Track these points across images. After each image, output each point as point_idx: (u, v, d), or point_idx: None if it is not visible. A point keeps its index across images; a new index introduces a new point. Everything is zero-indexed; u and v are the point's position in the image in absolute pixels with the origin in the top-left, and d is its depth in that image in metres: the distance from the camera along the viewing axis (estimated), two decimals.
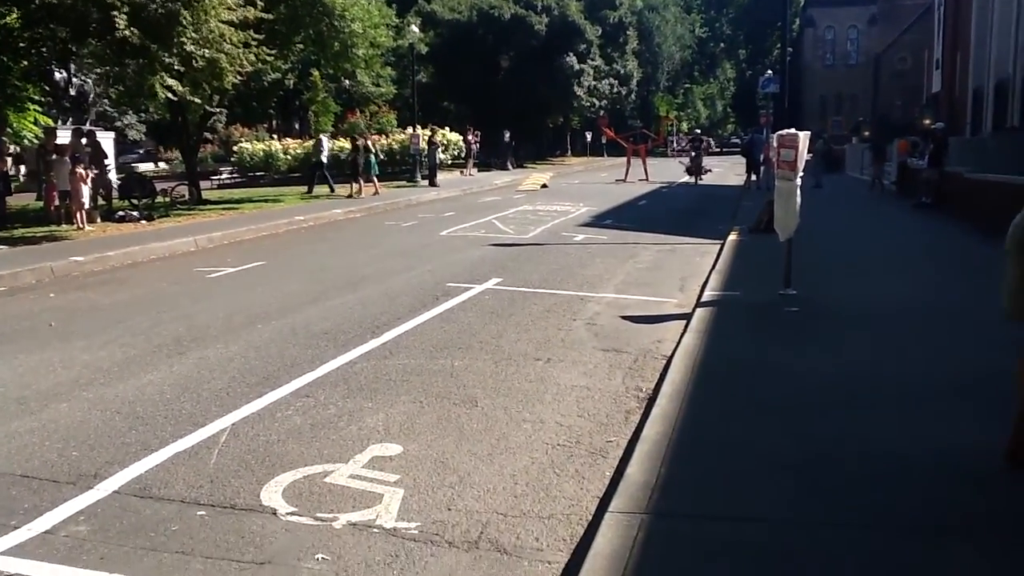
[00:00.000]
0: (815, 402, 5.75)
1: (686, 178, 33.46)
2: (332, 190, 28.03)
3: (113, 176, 22.70)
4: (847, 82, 73.32)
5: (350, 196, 25.91)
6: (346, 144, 30.65)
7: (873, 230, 16.60)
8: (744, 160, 30.89)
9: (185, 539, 4.11)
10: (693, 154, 34.83)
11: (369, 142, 28.85)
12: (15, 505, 4.51)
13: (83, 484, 4.77)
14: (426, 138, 32.69)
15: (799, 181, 9.04)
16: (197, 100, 21.88)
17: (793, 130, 9.22)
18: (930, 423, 5.34)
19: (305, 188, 28.96)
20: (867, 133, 43.89)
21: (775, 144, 9.56)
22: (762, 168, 26.65)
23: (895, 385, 6.14)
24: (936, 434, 5.12)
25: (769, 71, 33.92)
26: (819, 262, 11.30)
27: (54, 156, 18.62)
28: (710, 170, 35.94)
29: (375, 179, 27.39)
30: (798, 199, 9.07)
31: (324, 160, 29.25)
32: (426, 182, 31.51)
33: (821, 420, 5.39)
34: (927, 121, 32.34)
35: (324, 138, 31.14)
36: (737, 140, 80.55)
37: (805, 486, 4.37)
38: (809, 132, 9.59)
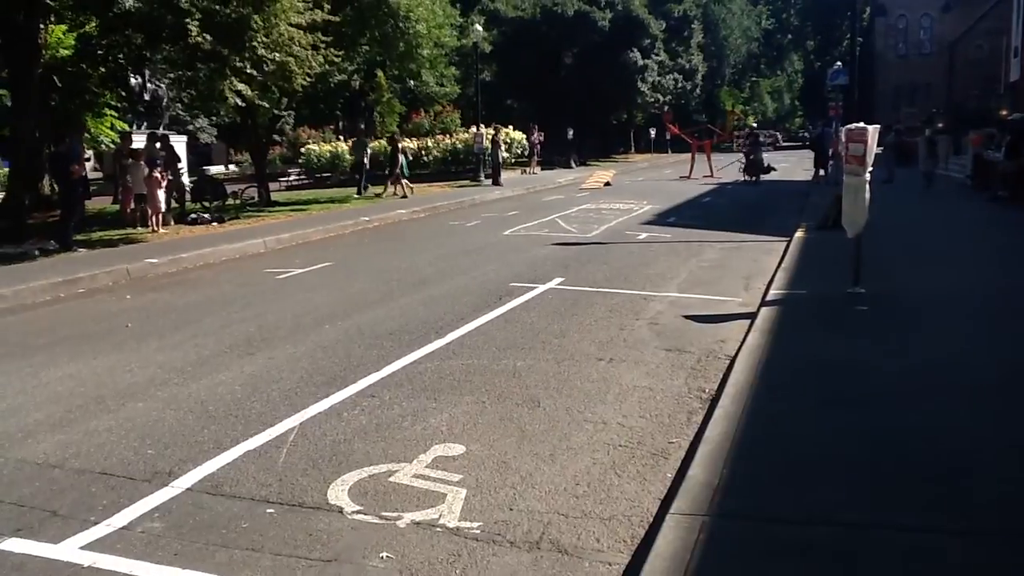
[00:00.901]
0: (884, 401, 5.65)
1: (744, 178, 30.23)
2: (361, 192, 28.16)
3: (186, 179, 23.30)
4: (921, 72, 71.32)
5: (378, 196, 26.17)
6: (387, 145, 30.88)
7: (946, 225, 16.19)
8: (812, 154, 30.39)
9: (255, 536, 4.24)
10: (750, 153, 30.72)
11: (401, 144, 29.09)
12: (94, 501, 4.69)
13: (158, 481, 4.94)
14: (490, 137, 32.83)
15: (868, 176, 8.87)
16: (265, 104, 22.38)
17: (862, 124, 9.04)
18: (1003, 419, 5.23)
19: (355, 190, 29.15)
20: (941, 124, 42.72)
21: (843, 138, 9.40)
22: (831, 163, 26.18)
23: (967, 383, 6.01)
24: (1010, 429, 5.00)
25: (838, 62, 33.15)
26: (889, 259, 11.07)
27: (130, 160, 19.20)
28: (773, 168, 31.67)
29: (404, 180, 27.55)
30: (867, 194, 8.90)
31: (366, 162, 29.52)
32: (489, 181, 31.66)
33: (889, 419, 5.30)
34: (1004, 111, 31.33)
35: (367, 139, 31.51)
36: (805, 134, 79.19)
37: (872, 487, 4.31)
38: (879, 126, 9.38)
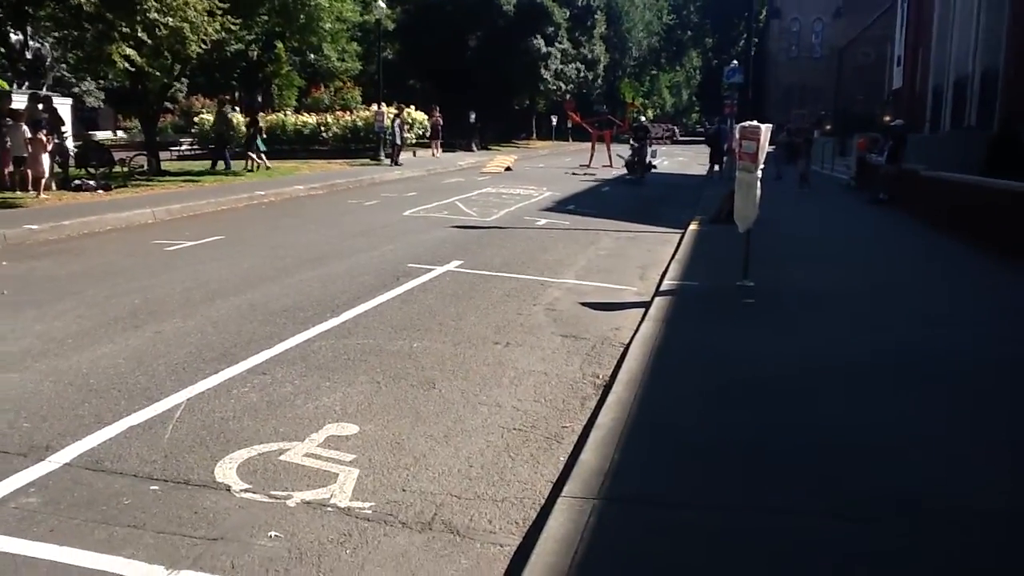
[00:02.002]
0: (769, 389, 5.86)
1: (627, 174, 27.68)
2: (227, 167, 27.06)
3: (70, 143, 22.25)
4: (811, 74, 73.82)
5: (238, 174, 25.76)
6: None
7: (831, 223, 16.84)
8: (708, 150, 31.15)
9: (137, 513, 4.10)
10: (636, 145, 27.83)
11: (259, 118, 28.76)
12: None
13: (34, 456, 4.72)
14: (391, 116, 32.46)
15: (760, 173, 9.15)
16: (157, 72, 21.53)
17: (756, 122, 9.32)
18: (875, 403, 5.53)
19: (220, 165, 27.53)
20: (829, 127, 44.36)
21: (737, 136, 9.67)
22: (725, 159, 26.86)
23: (845, 369, 6.33)
24: (880, 413, 5.28)
25: (734, 61, 33.95)
26: (777, 253, 11.45)
27: (10, 121, 18.21)
28: (654, 166, 29.09)
29: (261, 155, 27.27)
30: (758, 191, 9.18)
31: (231, 135, 28.76)
32: (389, 161, 31.33)
33: (773, 406, 5.50)
34: (887, 117, 32.72)
35: (227, 110, 30.64)
36: (701, 129, 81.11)
37: (748, 472, 4.46)
38: (771, 125, 9.70)
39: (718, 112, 41.44)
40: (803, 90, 74.98)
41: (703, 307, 8.62)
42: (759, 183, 9.16)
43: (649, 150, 28.15)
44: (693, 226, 14.67)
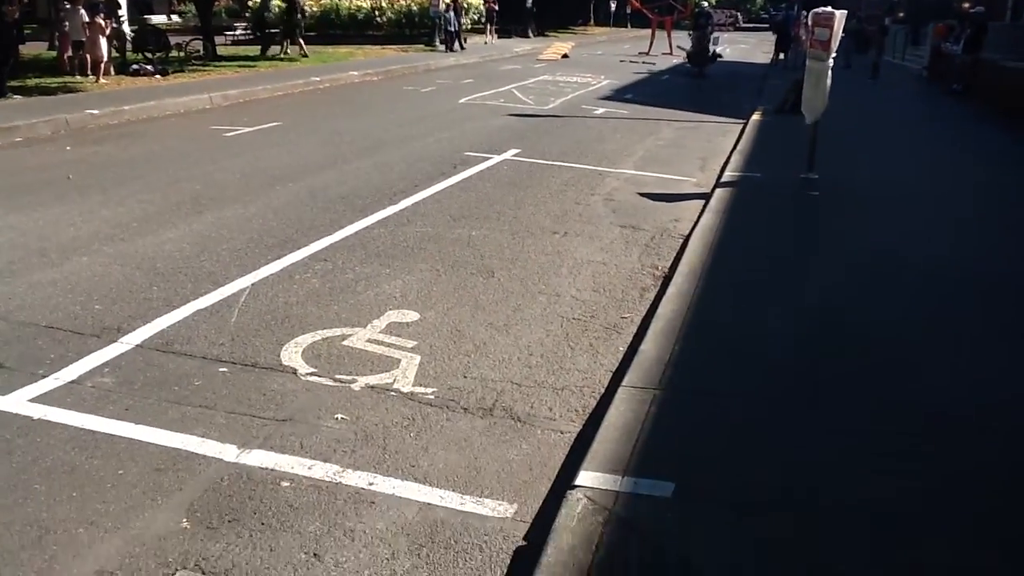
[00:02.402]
0: (829, 283, 5.79)
1: (689, 65, 25.30)
2: (264, 52, 26.57)
3: (127, 28, 22.18)
4: None
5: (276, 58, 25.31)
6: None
7: (901, 116, 16.26)
8: (774, 37, 30.01)
9: (208, 394, 4.22)
10: (697, 34, 25.08)
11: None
12: (41, 355, 4.61)
13: (107, 337, 4.86)
14: (447, 1, 31.69)
15: (831, 62, 8.79)
16: None
17: (829, 8, 8.89)
18: (934, 301, 5.46)
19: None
20: (901, 14, 42.30)
21: (809, 22, 9.25)
22: (791, 47, 25.88)
23: (907, 266, 6.20)
24: (935, 311, 5.18)
25: None
26: (844, 146, 11.10)
27: (68, 4, 18.17)
28: (719, 56, 26.69)
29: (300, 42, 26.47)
30: (828, 81, 8.83)
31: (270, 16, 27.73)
32: (444, 47, 30.75)
33: (833, 300, 5.45)
34: (966, 4, 31.06)
35: None
36: (766, 15, 77.94)
37: (807, 364, 4.44)
38: (846, 11, 9.24)
39: None
40: None
41: (765, 199, 8.44)
42: (830, 73, 8.81)
43: (712, 39, 25.80)
44: (756, 116, 14.26)
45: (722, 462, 3.51)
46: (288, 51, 26.10)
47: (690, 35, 26.25)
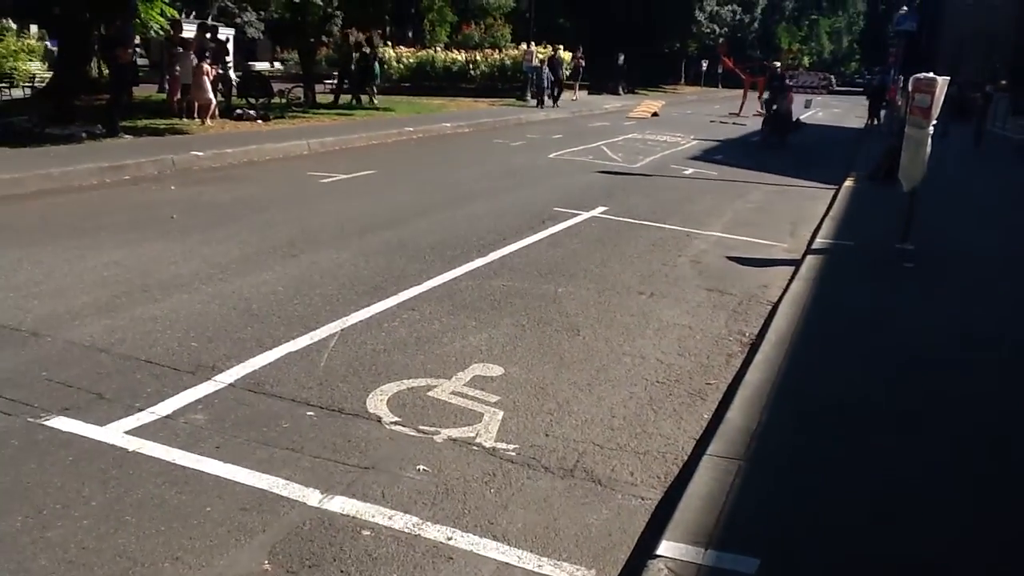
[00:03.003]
0: (923, 358, 5.63)
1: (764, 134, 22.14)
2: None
3: (232, 74, 23.14)
4: (989, 24, 68.60)
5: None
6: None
7: (1001, 187, 15.81)
8: (868, 102, 29.63)
9: (295, 437, 4.31)
10: (772, 101, 21.87)
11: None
12: (139, 388, 4.78)
13: (202, 374, 5.02)
14: (540, 56, 32.17)
15: (931, 130, 8.63)
16: (317, 1, 22.01)
17: (931, 74, 8.75)
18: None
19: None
20: (1004, 82, 41.27)
21: (910, 88, 9.12)
22: (883, 111, 25.44)
23: (1008, 345, 5.97)
24: None
25: (904, 7, 31.85)
26: (941, 217, 10.84)
27: (180, 49, 19.07)
28: (800, 124, 22.70)
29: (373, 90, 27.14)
30: (928, 149, 8.66)
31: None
32: (535, 101, 31.15)
33: (927, 376, 5.28)
34: None
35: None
36: (860, 79, 76.99)
37: (904, 443, 4.30)
38: (948, 78, 9.08)
39: (880, 62, 39.02)
40: (977, 42, 69.86)
41: (858, 268, 8.28)
42: (929, 140, 8.64)
43: (795, 105, 22.44)
44: (849, 182, 14.04)
45: (810, 538, 3.42)
46: (361, 100, 26.74)
47: (763, 101, 23.45)
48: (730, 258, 8.80)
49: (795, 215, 11.62)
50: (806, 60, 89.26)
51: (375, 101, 26.61)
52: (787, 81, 23.23)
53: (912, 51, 27.83)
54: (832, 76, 79.15)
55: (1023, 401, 5.05)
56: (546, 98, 31.01)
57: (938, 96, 8.51)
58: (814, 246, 9.10)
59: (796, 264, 8.35)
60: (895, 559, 3.30)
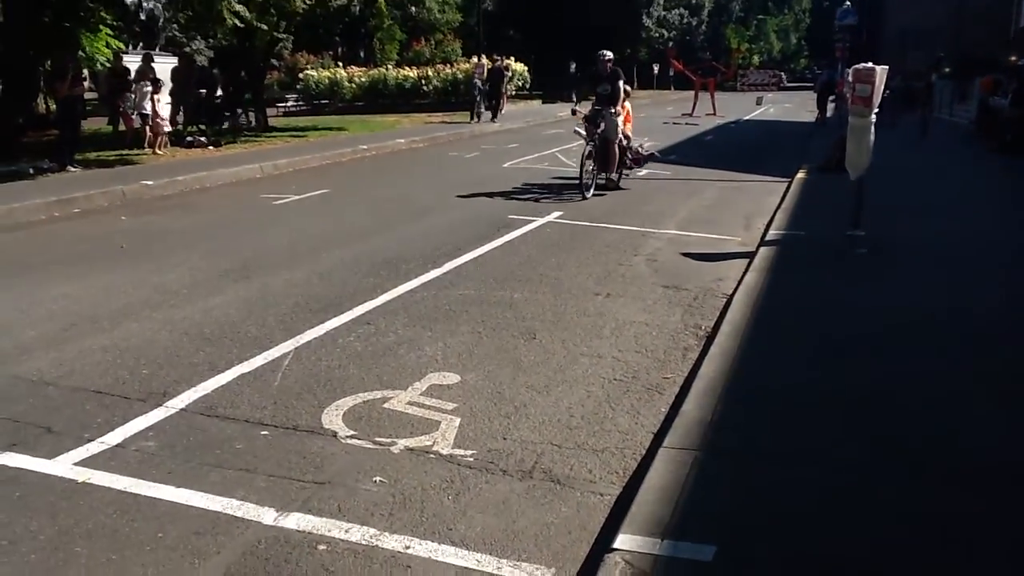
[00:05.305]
0: (877, 344, 5.67)
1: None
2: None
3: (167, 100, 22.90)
4: (929, 15, 69.96)
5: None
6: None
7: (948, 172, 16.07)
8: (816, 96, 30.10)
9: (249, 457, 4.25)
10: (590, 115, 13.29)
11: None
12: (89, 419, 4.69)
13: (153, 401, 4.94)
14: (489, 68, 32.24)
15: (873, 118, 8.75)
16: (264, 26, 21.93)
17: (870, 64, 8.88)
18: (984, 364, 5.27)
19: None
20: (948, 70, 42.04)
21: (850, 78, 9.25)
22: (831, 104, 25.85)
23: (955, 327, 6.06)
24: (993, 378, 5.03)
25: (847, 2, 32.30)
26: (889, 203, 11.00)
27: (131, 79, 18.91)
28: (651, 157, 15.22)
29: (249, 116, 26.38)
30: (871, 137, 8.78)
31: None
32: (489, 113, 31.18)
33: (880, 362, 5.32)
34: (1013, 57, 30.83)
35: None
36: (809, 75, 78.20)
37: (855, 428, 4.33)
38: (887, 67, 9.22)
39: (827, 57, 39.66)
40: (919, 33, 71.16)
41: (810, 258, 8.36)
42: (872, 129, 8.76)
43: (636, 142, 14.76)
44: (801, 175, 14.21)
45: (764, 526, 3.42)
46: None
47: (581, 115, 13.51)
48: (685, 254, 8.85)
49: (749, 209, 11.73)
50: (756, 59, 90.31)
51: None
52: (619, 83, 13.27)
53: (856, 45, 28.23)
54: (782, 73, 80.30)
55: (971, 381, 5.10)
56: (483, 111, 29.97)
57: (878, 85, 8.64)
58: (767, 238, 9.18)
59: (750, 256, 8.42)
60: (848, 546, 3.31)
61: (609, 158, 13.12)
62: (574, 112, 13.63)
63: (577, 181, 12.86)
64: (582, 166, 12.58)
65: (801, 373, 5.14)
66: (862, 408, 4.60)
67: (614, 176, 13.43)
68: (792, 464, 3.95)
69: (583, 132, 12.87)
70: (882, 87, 8.79)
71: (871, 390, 4.86)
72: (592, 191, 12.65)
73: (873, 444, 4.14)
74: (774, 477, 3.83)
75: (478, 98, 29.95)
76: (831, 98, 29.30)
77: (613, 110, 13.06)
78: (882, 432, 4.28)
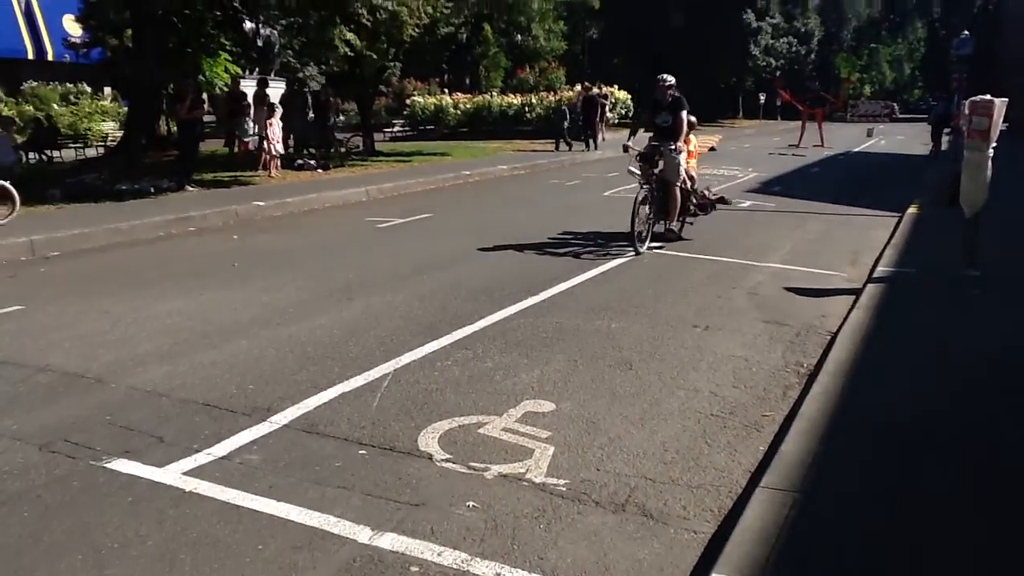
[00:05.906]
0: (989, 387, 5.44)
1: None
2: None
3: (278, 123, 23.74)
4: None
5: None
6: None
7: None
8: (931, 128, 29.14)
9: (347, 475, 4.35)
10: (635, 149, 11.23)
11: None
12: (197, 430, 4.89)
13: (257, 416, 5.11)
14: (569, 98, 32.39)
15: (991, 152, 8.43)
16: (373, 55, 22.57)
17: (988, 96, 8.58)
18: None
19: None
20: None
21: (966, 111, 8.95)
22: (946, 137, 25.00)
23: None
24: None
25: (966, 31, 31.16)
26: (1009, 241, 10.54)
27: (246, 104, 19.69)
28: (713, 203, 12.34)
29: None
30: (988, 172, 8.47)
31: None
32: (582, 143, 31.17)
33: (992, 406, 5.10)
34: None
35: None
36: (924, 106, 75.83)
37: (969, 472, 4.16)
38: (1006, 99, 8.88)
39: (943, 88, 38.39)
40: None
41: (921, 296, 8.08)
42: (990, 163, 8.45)
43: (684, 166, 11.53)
44: (912, 209, 13.76)
45: (864, 572, 3.32)
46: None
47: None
48: (788, 289, 8.67)
49: (856, 244, 11.42)
50: (867, 89, 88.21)
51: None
52: (681, 113, 11.02)
53: (975, 76, 27.23)
54: (895, 104, 78.06)
55: None
56: (566, 142, 29.38)
57: (996, 118, 8.35)
58: (875, 275, 8.91)
59: (856, 293, 8.19)
60: None
61: (669, 204, 11.06)
62: (626, 148, 11.13)
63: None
64: (634, 213, 10.28)
65: (908, 417, 4.96)
66: (976, 452, 4.42)
67: (675, 226, 11.34)
68: (897, 510, 3.82)
69: (637, 171, 10.80)
70: (1000, 120, 8.48)
71: (985, 437, 4.66)
72: (648, 243, 10.66)
73: (991, 487, 3.97)
74: (877, 524, 3.71)
75: (565, 126, 29.85)
76: (946, 131, 28.31)
77: (674, 146, 10.81)
78: (986, 476, 4.09)
